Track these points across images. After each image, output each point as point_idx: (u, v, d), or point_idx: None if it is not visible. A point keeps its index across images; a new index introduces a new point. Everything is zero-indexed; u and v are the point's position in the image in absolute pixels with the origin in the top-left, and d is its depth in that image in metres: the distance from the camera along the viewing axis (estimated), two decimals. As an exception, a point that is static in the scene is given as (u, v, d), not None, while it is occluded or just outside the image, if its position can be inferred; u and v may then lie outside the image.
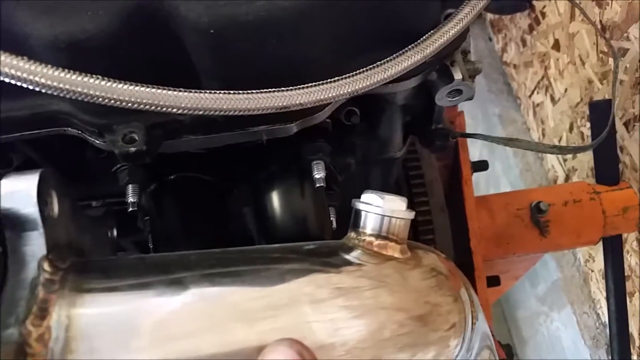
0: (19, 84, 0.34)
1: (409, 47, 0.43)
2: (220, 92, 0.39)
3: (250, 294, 0.35)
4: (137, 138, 0.43)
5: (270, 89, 0.39)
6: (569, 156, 1.36)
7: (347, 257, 0.39)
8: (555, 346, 1.56)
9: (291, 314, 0.35)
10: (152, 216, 0.53)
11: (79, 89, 0.36)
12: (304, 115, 0.45)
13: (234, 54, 0.41)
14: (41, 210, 0.32)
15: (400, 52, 0.43)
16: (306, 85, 0.40)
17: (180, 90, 0.38)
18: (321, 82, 0.40)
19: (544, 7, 1.39)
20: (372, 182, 0.65)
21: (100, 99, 0.37)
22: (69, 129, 0.46)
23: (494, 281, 1.02)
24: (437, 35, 0.44)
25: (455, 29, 0.44)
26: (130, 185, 0.49)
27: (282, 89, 0.39)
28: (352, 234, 0.41)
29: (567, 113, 1.36)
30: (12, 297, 0.30)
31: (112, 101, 0.37)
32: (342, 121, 0.54)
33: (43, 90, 0.35)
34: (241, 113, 0.38)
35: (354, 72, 0.41)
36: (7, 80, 0.34)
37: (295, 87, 0.40)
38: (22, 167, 0.52)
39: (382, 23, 0.43)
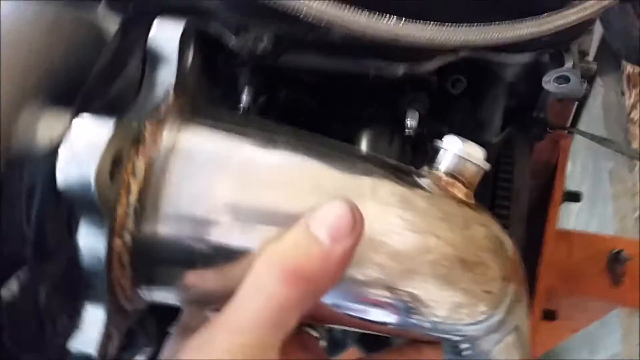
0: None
1: (529, 18, 0.46)
2: (348, 10, 0.43)
3: (329, 173, 0.39)
4: (265, 40, 0.49)
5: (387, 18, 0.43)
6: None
7: (419, 181, 0.42)
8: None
9: (362, 203, 0.37)
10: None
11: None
12: (413, 58, 0.49)
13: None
14: (179, 50, 0.38)
15: (520, 20, 0.45)
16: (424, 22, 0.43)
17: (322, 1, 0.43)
18: (434, 23, 0.43)
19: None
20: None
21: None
22: (213, 23, 0.53)
23: (550, 315, 1.00)
24: (556, 16, 0.46)
25: (576, 16, 0.46)
26: (247, 87, 0.55)
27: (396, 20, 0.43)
28: (426, 167, 0.44)
29: (680, 182, 1.29)
30: (140, 104, 0.37)
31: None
32: (448, 89, 0.58)
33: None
34: (354, 33, 0.42)
35: (468, 25, 0.44)
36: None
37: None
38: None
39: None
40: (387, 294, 0.39)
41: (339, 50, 0.50)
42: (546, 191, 0.92)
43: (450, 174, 0.42)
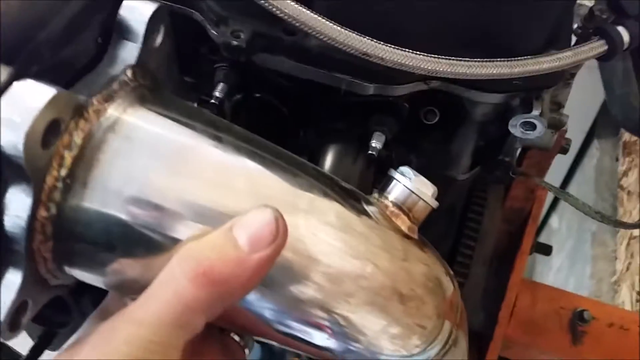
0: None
1: (500, 59, 0.46)
2: (324, 18, 0.43)
3: (268, 180, 0.38)
4: (242, 36, 0.49)
5: (359, 34, 0.43)
6: (643, 297, 1.29)
7: (367, 208, 0.42)
8: None
9: (296, 215, 0.38)
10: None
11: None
12: (384, 80, 0.49)
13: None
14: (147, 30, 0.38)
15: (491, 60, 0.46)
16: (392, 45, 0.44)
17: (302, 6, 0.43)
18: (406, 49, 0.44)
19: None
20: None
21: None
22: (196, 13, 0.53)
23: (505, 363, 0.99)
24: (529, 61, 0.46)
25: (549, 65, 0.47)
26: (221, 83, 0.55)
27: (370, 38, 0.43)
28: (375, 194, 0.44)
29: (659, 254, 1.29)
30: (94, 77, 0.37)
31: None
32: (421, 119, 0.58)
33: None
34: (327, 40, 0.43)
35: (438, 56, 0.45)
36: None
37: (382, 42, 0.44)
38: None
39: (487, 29, 0.46)
40: (322, 314, 0.38)
41: (313, 59, 0.50)
42: (517, 239, 0.92)
43: (397, 205, 0.42)
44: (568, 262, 1.77)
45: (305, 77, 0.51)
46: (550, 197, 2.08)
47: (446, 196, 0.69)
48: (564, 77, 0.53)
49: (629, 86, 1.40)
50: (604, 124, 1.82)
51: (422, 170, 0.64)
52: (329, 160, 0.57)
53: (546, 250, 0.97)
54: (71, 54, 0.36)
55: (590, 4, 0.57)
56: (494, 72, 0.45)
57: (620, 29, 0.51)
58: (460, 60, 0.45)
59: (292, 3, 0.43)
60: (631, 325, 0.94)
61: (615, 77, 1.40)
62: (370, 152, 0.53)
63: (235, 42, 0.48)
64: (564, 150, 0.84)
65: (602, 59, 0.52)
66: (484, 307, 0.96)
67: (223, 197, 0.37)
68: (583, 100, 1.70)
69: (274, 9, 0.42)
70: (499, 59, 0.46)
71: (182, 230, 0.35)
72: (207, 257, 0.32)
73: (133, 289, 0.37)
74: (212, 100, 0.54)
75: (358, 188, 0.57)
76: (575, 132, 1.92)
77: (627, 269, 1.44)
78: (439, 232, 0.77)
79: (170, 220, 0.36)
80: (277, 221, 0.33)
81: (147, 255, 0.36)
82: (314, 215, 0.38)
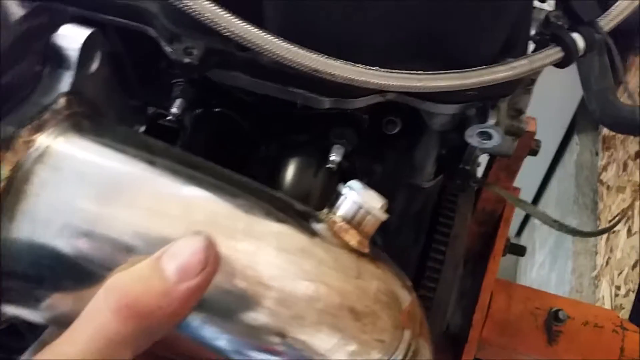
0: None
1: (452, 71, 0.46)
2: (272, 36, 0.43)
3: (204, 203, 0.38)
4: (195, 53, 0.48)
5: (309, 50, 0.43)
6: (621, 292, 1.30)
7: (315, 226, 0.42)
8: None
9: (236, 239, 0.37)
10: (184, 135, 0.59)
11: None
12: (339, 94, 0.49)
13: (301, 15, 0.45)
14: (80, 57, 0.38)
15: (443, 72, 0.46)
16: (341, 60, 0.43)
17: (249, 25, 0.43)
18: (357, 65, 0.44)
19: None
20: (393, 200, 0.67)
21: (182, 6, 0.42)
22: (150, 29, 0.53)
23: (481, 365, 1.00)
24: (482, 72, 0.46)
25: (504, 74, 0.46)
26: (179, 99, 0.55)
27: (319, 54, 0.43)
28: (325, 210, 0.43)
29: (636, 249, 1.30)
30: (26, 107, 0.36)
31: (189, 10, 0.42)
32: (383, 129, 0.58)
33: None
34: (275, 57, 0.42)
35: (389, 70, 0.44)
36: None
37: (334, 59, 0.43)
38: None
39: (437, 40, 0.46)
40: (278, 340, 0.38)
41: (268, 74, 0.50)
42: (489, 241, 0.92)
43: (346, 220, 0.42)
44: (550, 257, 1.79)
45: (261, 93, 0.51)
46: (530, 194, 2.09)
47: (414, 203, 0.70)
48: (520, 85, 0.53)
49: (606, 82, 1.41)
50: (584, 119, 1.83)
51: (386, 179, 0.65)
52: (290, 174, 0.57)
53: (520, 251, 0.97)
54: (9, 83, 0.36)
55: (550, 9, 0.57)
56: (446, 84, 0.45)
57: (576, 35, 0.51)
58: (412, 73, 0.45)
59: (240, 22, 0.42)
60: (605, 323, 0.94)
61: (592, 73, 1.41)
62: (329, 165, 0.53)
63: (187, 60, 0.47)
64: (534, 152, 0.84)
65: (558, 65, 0.52)
66: (460, 309, 0.97)
67: (156, 224, 0.36)
68: (562, 95, 1.71)
69: (221, 29, 0.42)
70: (451, 71, 0.46)
71: (113, 260, 0.35)
72: (133, 288, 0.32)
73: (68, 323, 0.36)
74: (169, 117, 0.53)
75: (320, 201, 0.57)
76: (556, 128, 1.93)
77: (607, 263, 1.45)
78: (409, 239, 0.77)
79: (100, 250, 0.35)
80: (207, 249, 0.33)
81: (78, 287, 0.35)
82: (256, 238, 0.38)
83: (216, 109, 0.59)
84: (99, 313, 0.31)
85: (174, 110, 0.54)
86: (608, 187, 1.59)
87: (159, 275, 0.32)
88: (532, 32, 0.54)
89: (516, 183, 0.96)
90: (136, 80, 0.60)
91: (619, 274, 1.34)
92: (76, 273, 0.35)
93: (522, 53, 0.52)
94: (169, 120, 0.54)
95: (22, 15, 0.37)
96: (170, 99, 0.57)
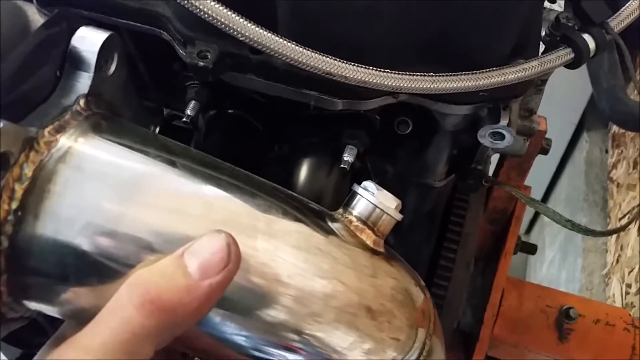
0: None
1: (464, 72, 0.46)
2: (286, 40, 0.44)
3: (223, 203, 0.38)
4: (209, 56, 0.49)
5: (322, 54, 0.43)
6: (632, 290, 1.30)
7: (331, 225, 0.42)
8: None
9: (255, 238, 0.38)
10: (199, 136, 0.59)
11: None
12: (351, 96, 0.49)
13: (314, 19, 0.46)
14: (98, 59, 0.39)
15: (454, 73, 0.46)
16: (356, 64, 0.44)
17: (263, 29, 0.44)
18: (370, 67, 0.44)
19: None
20: (405, 199, 0.67)
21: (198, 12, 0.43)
22: (164, 33, 0.53)
23: (494, 362, 1.00)
24: (494, 73, 0.46)
25: (515, 75, 0.47)
26: (193, 101, 0.56)
27: (332, 57, 0.43)
28: (340, 210, 0.44)
29: (647, 247, 1.30)
30: (46, 108, 0.37)
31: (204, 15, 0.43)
32: (395, 129, 0.58)
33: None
34: (289, 61, 0.43)
35: (402, 72, 0.45)
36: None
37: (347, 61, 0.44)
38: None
39: (449, 42, 0.46)
40: (296, 337, 0.38)
41: (281, 77, 0.50)
42: (500, 239, 0.92)
43: (361, 220, 0.42)
44: (560, 254, 1.78)
45: (275, 94, 0.52)
46: (539, 192, 2.09)
47: (425, 202, 0.70)
48: (532, 86, 0.53)
49: (616, 79, 1.40)
50: (593, 116, 1.82)
51: (398, 178, 0.65)
52: (303, 174, 0.57)
53: (531, 249, 0.97)
54: (31, 88, 0.36)
55: (560, 9, 0.57)
56: (458, 85, 0.46)
57: (587, 36, 0.51)
58: (424, 75, 0.45)
59: (254, 26, 0.43)
60: (617, 321, 0.95)
61: (601, 70, 1.40)
62: (342, 165, 0.53)
63: (201, 63, 0.48)
64: (545, 151, 0.84)
65: (569, 67, 0.52)
66: (472, 308, 0.97)
67: (177, 223, 0.37)
68: (572, 92, 1.70)
69: (236, 33, 0.43)
70: (463, 73, 0.46)
71: (135, 258, 0.36)
72: (156, 284, 0.32)
73: (88, 317, 0.37)
74: (184, 119, 0.54)
75: (333, 201, 0.58)
76: (565, 125, 1.92)
77: (617, 261, 1.44)
78: (421, 238, 0.77)
79: (122, 248, 0.36)
80: (228, 247, 0.33)
81: (100, 283, 0.36)
82: (275, 237, 0.39)
83: (230, 111, 0.59)
84: (123, 308, 0.32)
85: (188, 112, 0.55)
86: (618, 185, 1.58)
87: (182, 271, 0.33)
88: (543, 33, 0.55)
89: (526, 180, 0.97)
90: (151, 82, 0.61)
91: (630, 272, 1.34)
92: (98, 270, 0.36)
93: (533, 54, 0.52)
94: (184, 121, 0.55)
95: (43, 23, 0.38)
96: (184, 100, 0.58)
